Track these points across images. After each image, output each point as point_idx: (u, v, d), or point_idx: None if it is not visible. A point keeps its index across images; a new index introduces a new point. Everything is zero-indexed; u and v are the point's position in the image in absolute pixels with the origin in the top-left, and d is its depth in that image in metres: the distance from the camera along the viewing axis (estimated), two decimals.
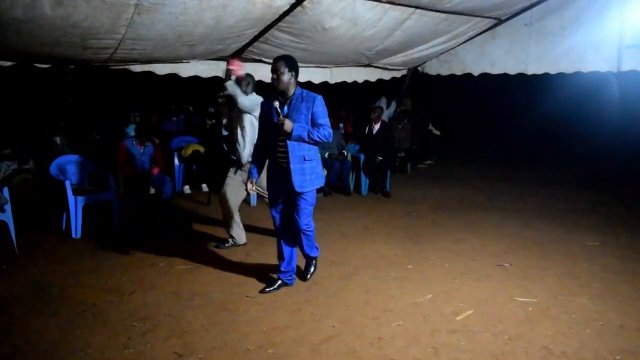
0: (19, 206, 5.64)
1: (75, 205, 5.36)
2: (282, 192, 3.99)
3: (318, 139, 3.78)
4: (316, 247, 4.36)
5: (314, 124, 3.79)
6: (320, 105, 3.81)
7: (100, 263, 4.70)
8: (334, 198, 7.42)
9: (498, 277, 4.49)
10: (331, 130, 3.83)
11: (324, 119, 3.81)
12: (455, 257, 4.98)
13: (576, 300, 4.01)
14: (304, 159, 3.83)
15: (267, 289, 4.08)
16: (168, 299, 3.95)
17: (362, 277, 4.47)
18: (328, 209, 6.77)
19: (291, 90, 3.82)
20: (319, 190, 7.33)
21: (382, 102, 10.18)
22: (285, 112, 3.78)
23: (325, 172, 7.65)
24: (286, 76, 3.76)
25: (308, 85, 7.60)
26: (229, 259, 4.83)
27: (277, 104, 3.74)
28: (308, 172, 3.86)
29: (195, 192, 7.43)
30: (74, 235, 5.33)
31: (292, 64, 3.80)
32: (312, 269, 4.37)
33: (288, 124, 3.66)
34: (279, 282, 4.15)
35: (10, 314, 3.66)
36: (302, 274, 4.36)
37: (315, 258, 4.39)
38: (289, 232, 4.11)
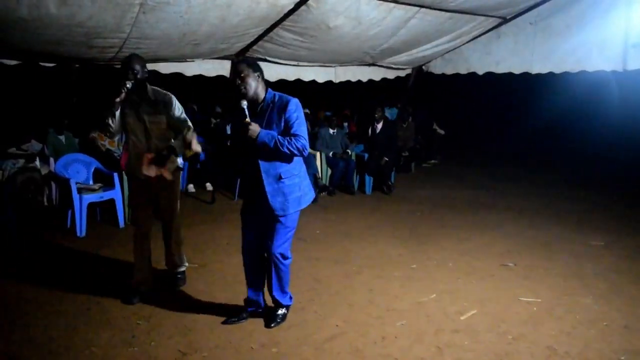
0: (24, 204, 5.69)
1: (80, 203, 5.38)
2: (256, 209, 3.38)
3: (288, 151, 3.11)
4: (289, 295, 3.63)
5: (287, 133, 3.15)
6: (293, 110, 3.16)
7: (104, 261, 4.72)
8: (338, 197, 7.42)
9: (502, 277, 4.48)
10: (307, 143, 3.16)
11: (298, 127, 3.14)
12: (459, 256, 4.98)
13: (580, 300, 4.00)
14: (280, 178, 3.22)
15: (231, 320, 3.57)
16: (172, 297, 3.96)
17: (365, 276, 4.47)
18: (332, 208, 6.77)
19: (261, 95, 3.22)
20: (322, 190, 7.41)
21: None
22: (256, 122, 3.16)
23: (329, 171, 7.66)
24: (252, 79, 3.15)
25: (312, 84, 7.63)
26: (233, 258, 4.84)
27: (245, 103, 3.14)
28: (288, 191, 3.25)
29: (200, 191, 7.44)
30: (78, 234, 5.36)
31: (255, 65, 3.22)
32: (280, 317, 3.57)
33: (253, 129, 3.08)
34: (244, 313, 3.63)
35: (15, 312, 3.68)
36: (268, 318, 3.58)
37: (286, 306, 3.62)
38: (257, 258, 3.55)
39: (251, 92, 3.17)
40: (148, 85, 3.72)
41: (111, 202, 5.72)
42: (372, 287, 4.24)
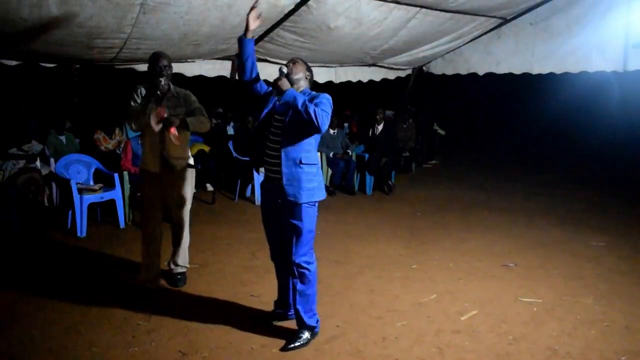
0: (24, 205, 5.69)
1: (81, 204, 5.38)
2: (275, 210, 3.28)
3: (312, 114, 2.97)
4: (316, 318, 3.38)
5: None
6: (323, 98, 3.13)
7: (105, 261, 4.72)
8: (338, 197, 7.42)
9: (503, 277, 4.48)
10: (327, 121, 3.07)
11: (324, 107, 3.07)
12: (459, 257, 4.97)
13: (581, 301, 4.00)
14: (300, 162, 3.14)
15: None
16: (173, 297, 3.96)
17: (366, 276, 4.47)
18: (332, 208, 6.76)
19: (300, 89, 3.21)
20: None
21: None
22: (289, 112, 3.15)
23: (330, 171, 7.66)
24: (300, 70, 3.21)
25: (313, 85, 7.63)
26: (233, 258, 4.84)
27: (285, 69, 3.17)
28: (305, 178, 3.15)
29: (200, 192, 7.43)
30: (79, 234, 5.35)
31: (310, 68, 3.32)
32: (300, 340, 3.27)
33: (284, 83, 3.07)
34: (272, 313, 3.60)
35: (16, 312, 3.68)
36: (288, 338, 3.31)
37: (310, 328, 3.33)
38: (282, 264, 3.41)
39: (294, 77, 3.19)
40: (170, 83, 3.89)
41: (112, 202, 5.71)
42: (372, 287, 4.24)
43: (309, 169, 3.17)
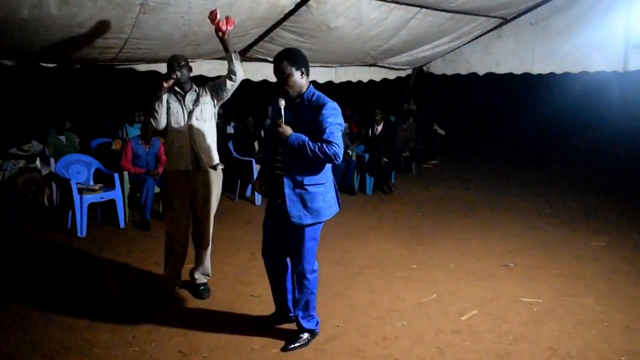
0: (24, 205, 5.70)
1: (81, 204, 5.38)
2: (277, 216, 3.14)
3: (317, 158, 2.88)
4: (316, 320, 3.37)
5: (319, 138, 2.89)
6: (327, 115, 2.90)
7: (105, 261, 4.72)
8: None
9: (503, 277, 4.48)
10: (339, 150, 2.89)
11: (331, 133, 2.88)
12: (459, 257, 4.97)
13: (581, 301, 4.00)
14: (303, 184, 2.97)
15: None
16: (173, 298, 3.95)
17: (366, 276, 4.47)
18: None
19: (302, 90, 3.02)
20: None
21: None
22: (289, 117, 2.97)
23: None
24: (296, 76, 2.96)
25: (312, 85, 7.62)
26: (233, 258, 4.84)
27: (282, 103, 2.95)
28: (309, 198, 2.99)
29: None
30: (79, 234, 5.36)
31: (298, 60, 2.98)
32: (300, 340, 3.27)
33: (285, 130, 2.89)
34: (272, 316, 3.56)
35: (15, 312, 3.68)
36: (287, 339, 3.31)
37: (309, 331, 3.31)
38: (275, 263, 3.32)
39: (295, 92, 3.00)
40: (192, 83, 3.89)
41: (112, 202, 5.72)
42: (372, 287, 4.24)
43: (313, 189, 3.01)
